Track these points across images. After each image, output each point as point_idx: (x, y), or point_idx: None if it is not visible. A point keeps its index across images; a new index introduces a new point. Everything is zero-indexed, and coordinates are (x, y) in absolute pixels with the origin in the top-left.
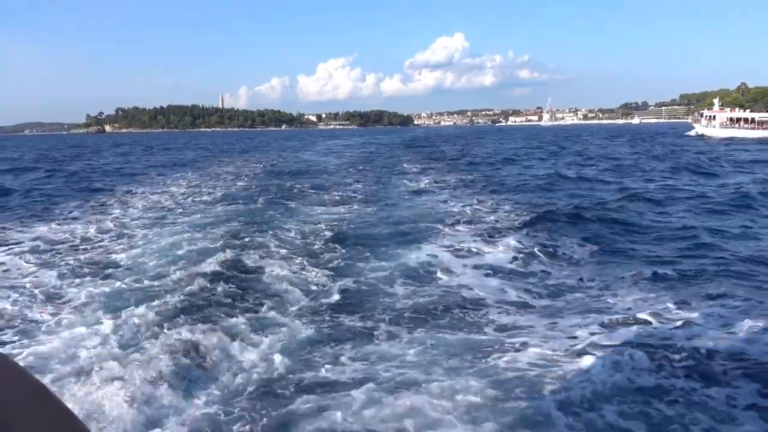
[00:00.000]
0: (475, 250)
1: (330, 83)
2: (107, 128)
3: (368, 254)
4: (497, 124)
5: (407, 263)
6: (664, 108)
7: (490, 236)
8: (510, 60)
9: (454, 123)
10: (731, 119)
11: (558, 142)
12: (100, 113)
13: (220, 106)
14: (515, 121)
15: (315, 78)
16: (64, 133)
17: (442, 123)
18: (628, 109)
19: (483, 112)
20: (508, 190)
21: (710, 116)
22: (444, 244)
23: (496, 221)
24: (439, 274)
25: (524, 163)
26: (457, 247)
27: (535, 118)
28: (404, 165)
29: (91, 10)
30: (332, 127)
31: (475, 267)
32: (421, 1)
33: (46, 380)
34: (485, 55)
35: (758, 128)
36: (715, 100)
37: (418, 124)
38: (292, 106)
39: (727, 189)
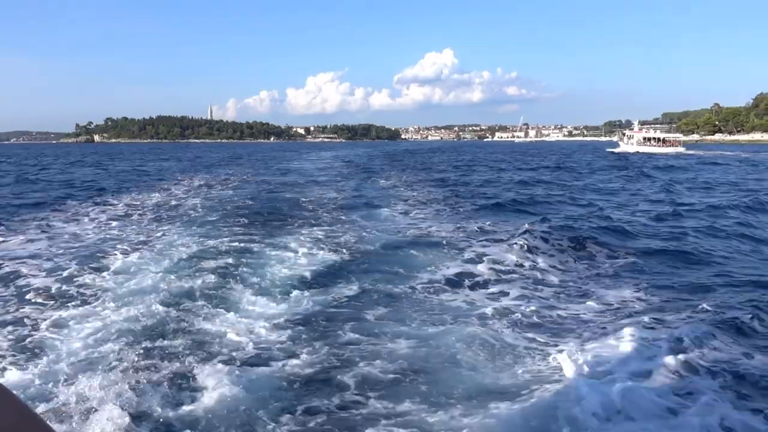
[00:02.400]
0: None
1: (319, 96)
2: (96, 138)
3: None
4: (484, 140)
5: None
6: (646, 126)
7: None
8: (498, 76)
9: (441, 138)
10: (645, 138)
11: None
12: (89, 123)
13: (209, 117)
14: (501, 137)
15: (304, 91)
16: (54, 142)
17: (429, 137)
18: (612, 126)
19: (470, 128)
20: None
21: (630, 135)
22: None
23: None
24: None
25: None
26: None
27: (522, 134)
28: None
29: (80, 19)
30: (320, 140)
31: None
32: (411, 17)
33: (34, 404)
34: (473, 72)
35: (663, 146)
36: (635, 123)
37: (405, 138)
38: (280, 118)
39: None
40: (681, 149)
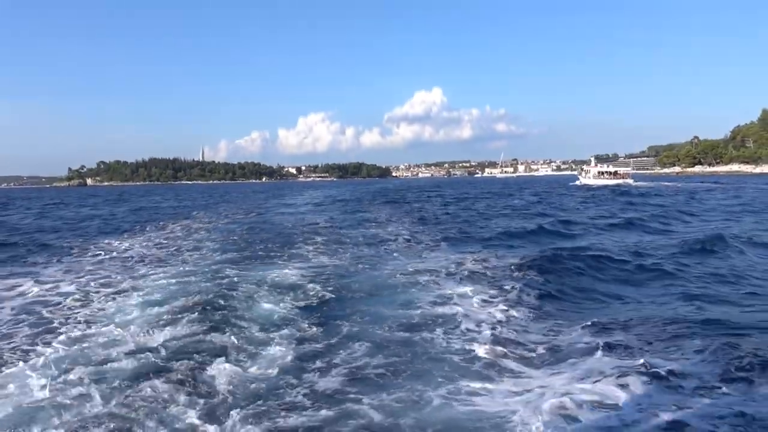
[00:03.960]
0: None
1: (310, 136)
2: (89, 181)
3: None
4: (475, 176)
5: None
6: (632, 159)
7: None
8: (487, 113)
9: (432, 175)
10: (600, 172)
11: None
12: (82, 167)
13: (201, 158)
14: (491, 173)
15: (295, 131)
16: (47, 186)
17: (420, 175)
18: (599, 160)
19: (460, 164)
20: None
21: (587, 170)
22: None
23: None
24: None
25: None
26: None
27: (511, 169)
28: None
29: (70, 62)
30: (312, 179)
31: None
32: (400, 57)
33: None
34: (462, 109)
35: (614, 178)
36: (592, 158)
37: (396, 176)
38: (272, 158)
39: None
40: (630, 181)
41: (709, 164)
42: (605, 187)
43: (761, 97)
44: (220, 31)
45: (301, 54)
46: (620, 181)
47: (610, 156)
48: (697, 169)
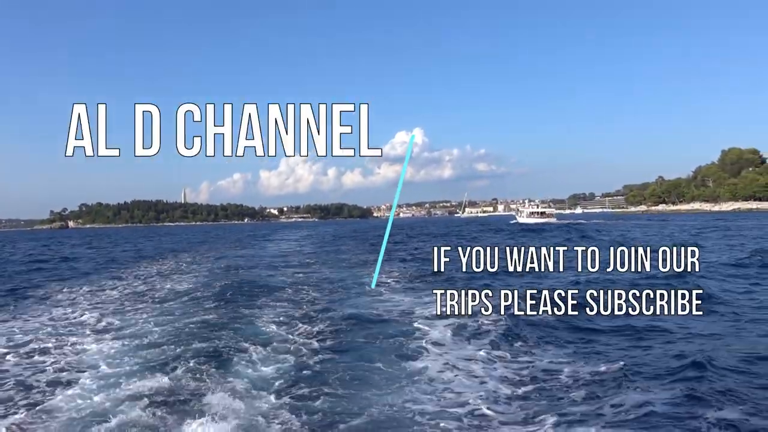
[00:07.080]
0: None
1: (292, 177)
2: (71, 224)
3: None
4: (455, 215)
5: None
6: (608, 198)
7: None
8: (468, 153)
9: (413, 215)
10: (531, 212)
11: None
12: (64, 209)
13: (183, 200)
14: (471, 212)
15: (277, 172)
16: (28, 229)
17: (401, 215)
18: (576, 199)
19: (440, 204)
20: None
21: (521, 211)
22: None
23: None
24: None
25: None
26: None
27: (491, 209)
28: None
29: (46, 102)
30: (294, 220)
31: None
32: (380, 98)
33: None
34: (444, 149)
35: (542, 217)
36: (526, 201)
37: (377, 216)
38: (254, 199)
39: None
40: (553, 219)
41: (673, 202)
42: (530, 224)
43: (724, 136)
44: (202, 74)
45: (283, 93)
46: (545, 220)
47: (587, 195)
48: (661, 207)
